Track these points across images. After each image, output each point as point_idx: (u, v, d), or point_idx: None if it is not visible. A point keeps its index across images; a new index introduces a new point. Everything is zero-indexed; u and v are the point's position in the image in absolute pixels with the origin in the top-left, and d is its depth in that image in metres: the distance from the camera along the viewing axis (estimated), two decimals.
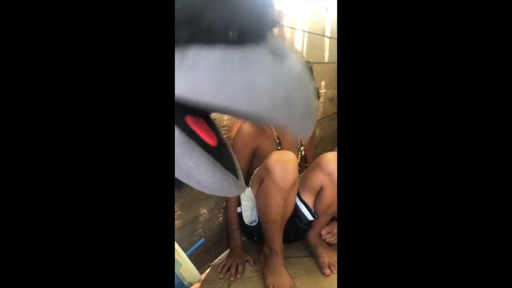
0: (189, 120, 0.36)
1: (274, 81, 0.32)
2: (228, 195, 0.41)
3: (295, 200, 0.94)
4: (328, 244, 1.05)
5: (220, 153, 0.38)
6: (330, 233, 1.07)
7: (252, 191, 0.96)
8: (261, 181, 0.90)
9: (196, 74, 0.31)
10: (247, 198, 0.96)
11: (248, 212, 0.95)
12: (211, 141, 0.37)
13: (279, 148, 1.05)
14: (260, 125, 1.03)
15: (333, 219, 1.06)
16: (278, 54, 0.34)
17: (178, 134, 0.34)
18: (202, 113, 0.39)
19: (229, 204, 1.03)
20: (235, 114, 0.35)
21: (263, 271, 0.92)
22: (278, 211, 0.87)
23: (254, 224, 0.98)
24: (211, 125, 0.40)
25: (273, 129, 1.07)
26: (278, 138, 1.06)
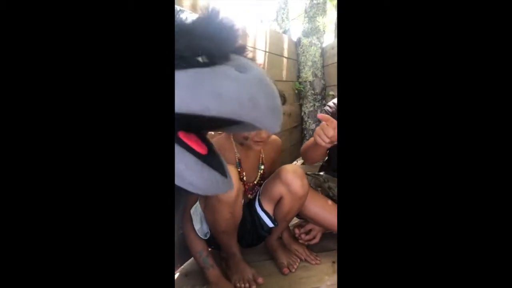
0: (181, 134, 0.43)
1: (238, 86, 0.38)
2: (219, 192, 0.45)
3: (241, 209, 0.97)
4: (297, 244, 1.13)
5: (209, 159, 0.44)
6: (304, 234, 1.16)
7: (200, 205, 0.98)
8: (206, 196, 0.93)
9: (177, 92, 0.38)
10: (196, 212, 0.98)
11: (198, 225, 0.97)
12: (202, 150, 0.44)
13: (238, 170, 1.05)
14: (224, 146, 1.03)
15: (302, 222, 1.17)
16: (241, 68, 0.41)
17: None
18: (195, 130, 0.46)
19: (186, 232, 0.97)
20: (211, 121, 0.41)
21: (226, 274, 0.97)
22: (227, 223, 0.92)
23: (208, 235, 1.00)
24: (203, 139, 0.47)
25: (235, 150, 1.07)
26: (239, 160, 1.07)
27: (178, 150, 0.41)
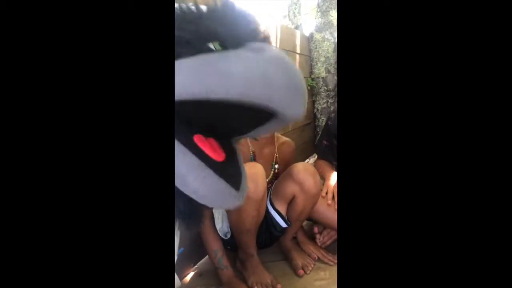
0: (197, 138, 0.37)
1: (249, 65, 0.33)
2: (224, 206, 0.39)
3: (265, 207, 0.98)
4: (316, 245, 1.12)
5: (223, 167, 0.38)
6: (321, 234, 1.15)
7: None
8: None
9: (180, 78, 0.34)
10: (218, 211, 0.97)
11: (219, 224, 0.97)
12: (216, 156, 0.38)
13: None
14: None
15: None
16: (256, 50, 0.36)
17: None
18: (217, 136, 0.40)
19: (204, 230, 0.96)
20: (218, 105, 0.35)
21: (242, 275, 0.97)
22: (251, 221, 0.91)
23: (228, 235, 0.99)
24: (224, 145, 0.40)
25: (249, 144, 1.07)
26: (253, 152, 1.06)
27: (182, 151, 0.35)
